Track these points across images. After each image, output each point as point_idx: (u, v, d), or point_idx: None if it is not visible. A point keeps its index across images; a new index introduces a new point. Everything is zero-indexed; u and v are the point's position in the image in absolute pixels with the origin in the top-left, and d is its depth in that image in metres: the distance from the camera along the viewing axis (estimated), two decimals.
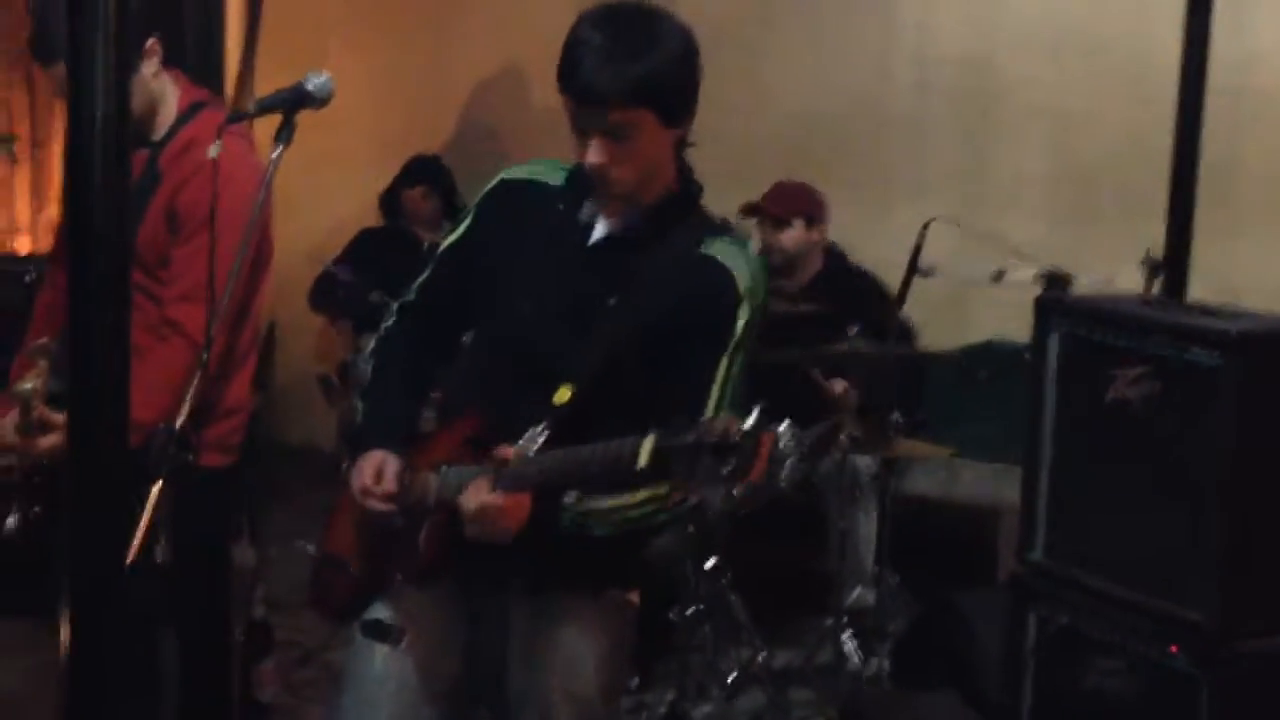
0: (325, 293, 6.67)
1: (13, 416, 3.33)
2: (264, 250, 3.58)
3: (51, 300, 3.65)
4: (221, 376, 3.48)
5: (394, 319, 3.11)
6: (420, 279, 3.10)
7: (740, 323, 2.80)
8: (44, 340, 3.34)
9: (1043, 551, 3.80)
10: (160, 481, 2.45)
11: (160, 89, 3.50)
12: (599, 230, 2.86)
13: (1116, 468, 3.61)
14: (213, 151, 2.77)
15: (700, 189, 2.93)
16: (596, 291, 2.82)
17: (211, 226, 2.78)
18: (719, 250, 2.83)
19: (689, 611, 4.64)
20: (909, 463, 5.37)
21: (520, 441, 2.70)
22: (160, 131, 3.49)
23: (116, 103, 1.97)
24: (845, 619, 4.87)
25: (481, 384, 2.97)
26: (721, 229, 2.92)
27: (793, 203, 5.54)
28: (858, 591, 5.03)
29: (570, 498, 2.75)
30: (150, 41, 3.43)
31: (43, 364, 3.25)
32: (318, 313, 6.89)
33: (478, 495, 2.70)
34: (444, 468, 2.85)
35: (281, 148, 2.77)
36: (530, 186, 2.97)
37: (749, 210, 5.53)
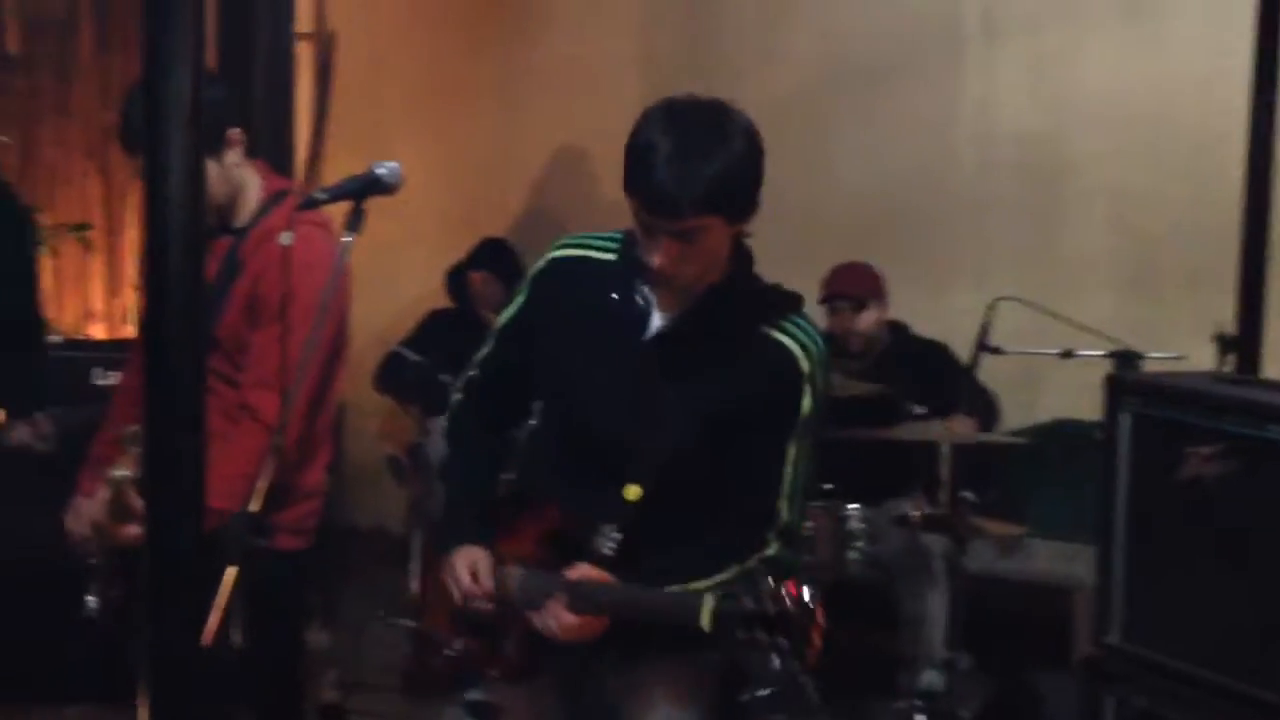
0: (393, 374, 6.69)
1: (104, 497, 3.34)
2: (340, 338, 3.60)
3: (132, 384, 3.68)
4: (299, 461, 3.48)
5: (461, 395, 3.15)
6: (482, 354, 3.14)
7: (806, 403, 2.81)
8: (136, 427, 3.35)
9: (1119, 633, 3.75)
10: (236, 566, 2.47)
11: (242, 178, 3.52)
12: (656, 322, 2.86)
13: (1192, 547, 3.57)
14: (285, 239, 2.80)
15: (752, 263, 2.91)
16: (657, 384, 2.83)
17: (283, 314, 2.80)
18: (778, 331, 2.83)
19: (761, 694, 4.59)
20: (980, 541, 5.33)
21: (596, 541, 2.78)
22: (242, 220, 3.51)
23: (191, 190, 1.99)
24: (917, 701, 4.82)
25: (555, 470, 2.99)
26: (781, 306, 2.90)
27: (865, 284, 5.52)
28: (929, 673, 4.97)
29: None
30: (233, 131, 3.45)
31: (135, 451, 3.26)
32: (384, 394, 6.91)
33: (555, 617, 2.76)
34: (522, 572, 2.89)
35: (353, 235, 2.80)
36: (582, 264, 2.97)
37: (825, 302, 5.50)
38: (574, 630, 2.75)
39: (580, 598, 2.74)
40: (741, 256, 2.89)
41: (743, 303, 2.86)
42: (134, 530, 3.29)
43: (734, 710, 4.57)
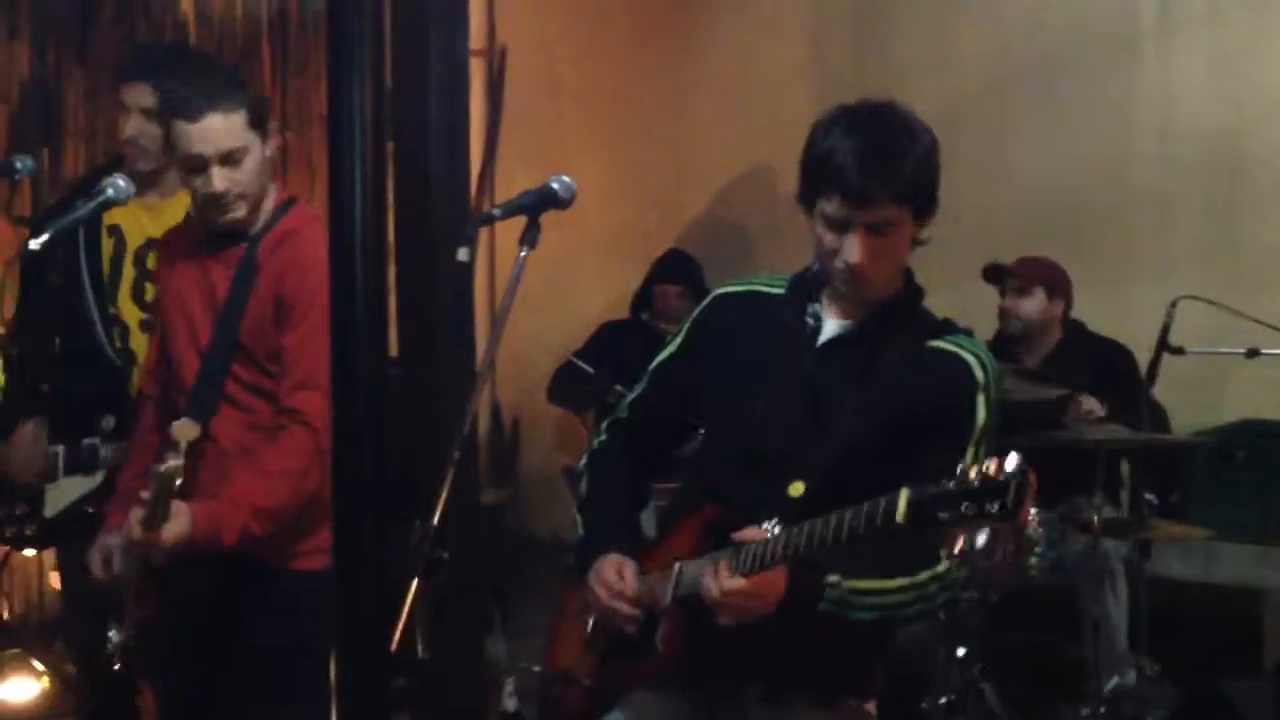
0: (567, 385, 6.74)
1: (137, 513, 3.26)
2: None
3: (150, 424, 3.68)
4: None
5: (605, 436, 3.16)
6: (633, 395, 3.15)
7: (981, 411, 2.78)
8: (166, 465, 3.30)
9: None
10: (417, 577, 2.50)
11: (270, 178, 3.55)
12: (828, 330, 2.87)
13: None
14: (462, 256, 2.79)
15: (923, 291, 2.93)
16: (831, 387, 2.82)
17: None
18: (951, 343, 2.84)
19: (941, 701, 4.56)
20: (1165, 545, 5.23)
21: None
22: (260, 222, 3.51)
23: (373, 205, 2.04)
24: (1102, 708, 4.74)
25: (718, 476, 2.95)
26: (948, 326, 2.90)
27: (1037, 271, 5.47)
28: (1115, 679, 4.89)
29: (833, 577, 2.71)
30: (274, 124, 3.51)
31: (158, 489, 3.20)
32: (557, 405, 6.96)
33: (719, 580, 2.66)
34: (679, 563, 2.85)
35: (528, 249, 2.81)
36: (750, 296, 3.01)
37: (992, 272, 5.48)
38: (745, 596, 2.65)
39: (750, 556, 2.65)
40: (911, 280, 2.91)
41: (915, 318, 2.88)
42: (171, 532, 3.23)
43: (914, 719, 4.56)
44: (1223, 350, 5.00)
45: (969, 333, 2.93)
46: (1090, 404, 5.00)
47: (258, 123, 3.44)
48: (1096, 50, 6.41)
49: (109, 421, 3.93)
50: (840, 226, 2.73)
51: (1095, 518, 4.65)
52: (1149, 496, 4.72)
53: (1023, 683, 5.00)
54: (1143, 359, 4.96)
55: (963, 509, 2.37)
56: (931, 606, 2.82)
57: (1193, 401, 5.58)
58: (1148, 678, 4.79)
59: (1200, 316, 4.89)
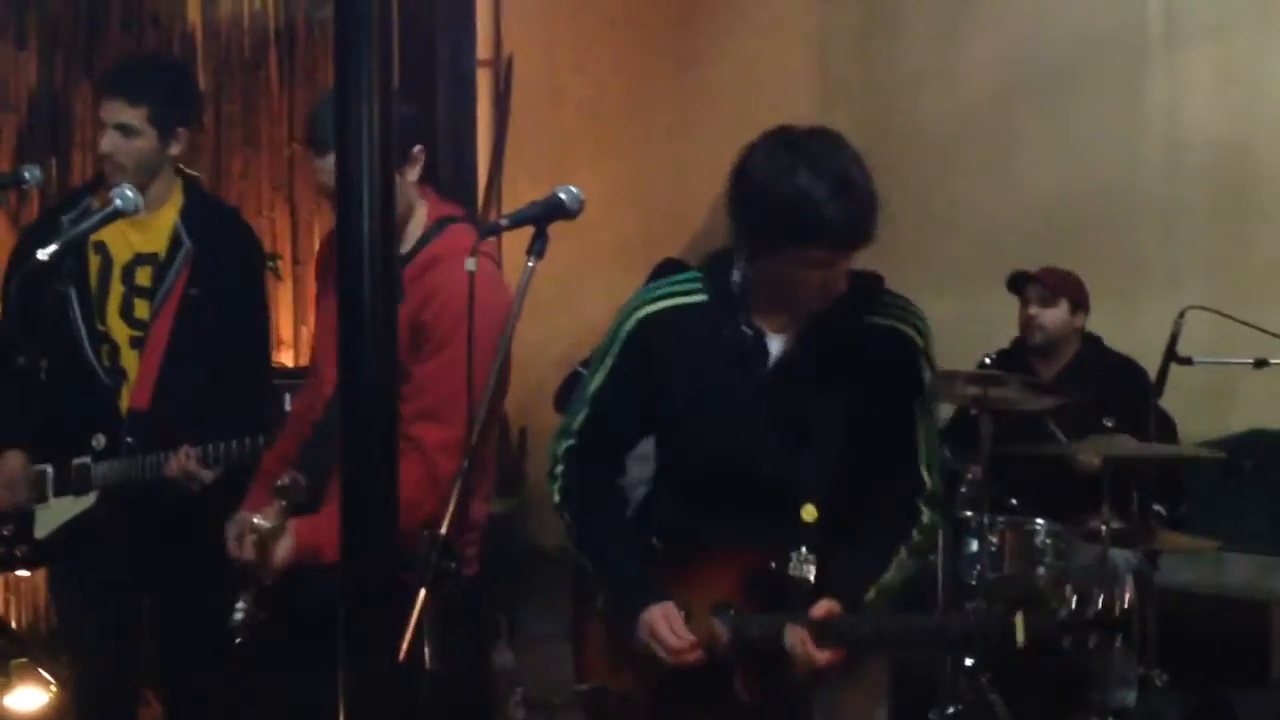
0: (574, 395, 6.72)
1: (252, 539, 3.31)
2: (505, 370, 3.60)
3: (302, 409, 3.71)
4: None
5: (563, 465, 3.19)
6: (577, 422, 3.19)
7: (926, 374, 2.97)
8: (287, 479, 3.31)
9: None
10: (425, 589, 2.50)
11: (414, 200, 3.48)
12: (774, 349, 2.95)
13: None
14: (470, 265, 2.79)
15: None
16: (795, 407, 2.92)
17: (470, 340, 2.80)
18: (884, 317, 2.96)
19: (949, 711, 4.56)
20: (1173, 556, 5.22)
21: (793, 569, 2.85)
22: (407, 245, 3.45)
23: (383, 218, 2.03)
24: (1111, 718, 4.73)
25: (709, 513, 3.01)
26: (871, 290, 2.99)
27: (1063, 282, 5.45)
28: (1123, 690, 4.88)
29: (870, 593, 2.88)
30: (416, 150, 3.42)
31: (282, 504, 3.26)
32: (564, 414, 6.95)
33: (811, 652, 2.77)
34: (731, 612, 2.91)
35: (535, 260, 2.81)
36: (675, 313, 3.05)
37: (1017, 280, 5.46)
38: (828, 665, 2.78)
39: (834, 633, 2.77)
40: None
41: (843, 302, 2.92)
42: (281, 553, 3.28)
43: None
44: (1230, 360, 5.00)
45: (880, 279, 3.02)
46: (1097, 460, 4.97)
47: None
48: (1104, 61, 6.42)
49: (99, 440, 3.92)
50: (813, 265, 2.80)
51: (1103, 528, 4.63)
52: (1157, 507, 4.70)
53: (1030, 694, 4.98)
54: (1151, 369, 4.96)
55: (1083, 636, 2.62)
56: (926, 551, 3.05)
57: (1200, 412, 5.57)
58: (1155, 688, 4.78)
59: (1208, 327, 4.89)
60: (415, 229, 3.48)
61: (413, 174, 3.44)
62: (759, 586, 2.89)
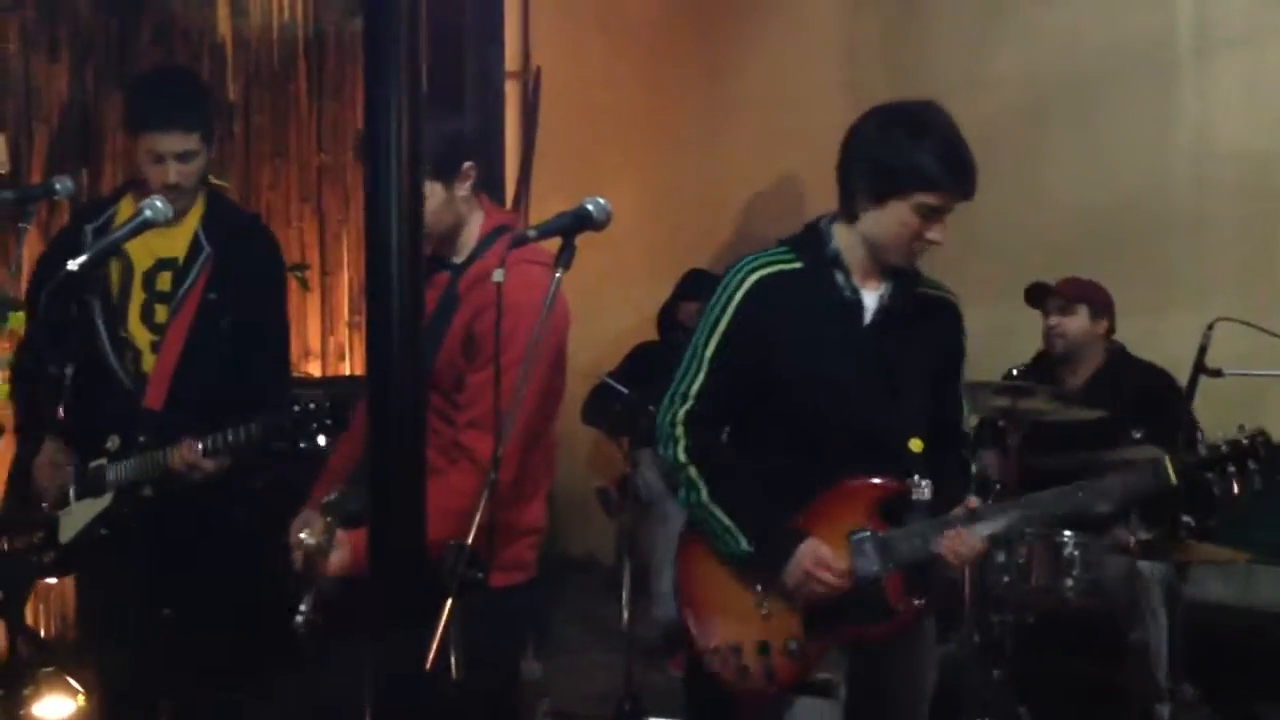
0: (601, 406, 6.73)
1: (299, 554, 3.38)
2: (556, 376, 3.61)
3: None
4: (518, 499, 3.45)
5: (684, 426, 3.35)
6: (696, 386, 3.34)
7: (964, 340, 3.46)
8: (335, 495, 3.33)
9: None
10: (452, 598, 2.50)
11: (468, 212, 3.51)
12: (869, 303, 3.33)
13: None
14: (497, 276, 2.81)
15: None
16: (894, 355, 3.30)
17: (496, 354, 2.81)
18: (933, 288, 3.43)
19: None
20: (1203, 568, 5.19)
21: (915, 493, 3.25)
22: (462, 255, 3.50)
23: (410, 228, 2.04)
24: None
25: (819, 457, 3.30)
26: (917, 271, 3.40)
27: (1080, 289, 5.44)
28: (1153, 704, 4.86)
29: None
30: (468, 165, 3.45)
31: (329, 520, 3.30)
32: (591, 425, 6.96)
33: (968, 543, 3.23)
34: (868, 535, 3.25)
35: (562, 271, 2.82)
36: (781, 277, 3.33)
37: (1035, 292, 5.45)
38: (983, 549, 3.26)
39: (987, 522, 3.26)
40: None
41: (901, 274, 3.36)
42: (334, 565, 3.32)
43: None
44: (1260, 372, 4.98)
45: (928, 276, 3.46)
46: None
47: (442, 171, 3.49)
48: (1133, 72, 6.40)
49: (113, 441, 3.95)
50: (935, 215, 3.20)
51: (1132, 540, 4.62)
52: (1186, 519, 4.68)
53: (1058, 706, 4.97)
54: (1180, 381, 4.94)
55: (1226, 468, 3.31)
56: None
57: (1230, 423, 5.52)
58: (1185, 702, 4.76)
59: (1237, 338, 4.87)
60: (469, 239, 3.52)
61: (463, 189, 3.47)
62: (889, 511, 3.26)
